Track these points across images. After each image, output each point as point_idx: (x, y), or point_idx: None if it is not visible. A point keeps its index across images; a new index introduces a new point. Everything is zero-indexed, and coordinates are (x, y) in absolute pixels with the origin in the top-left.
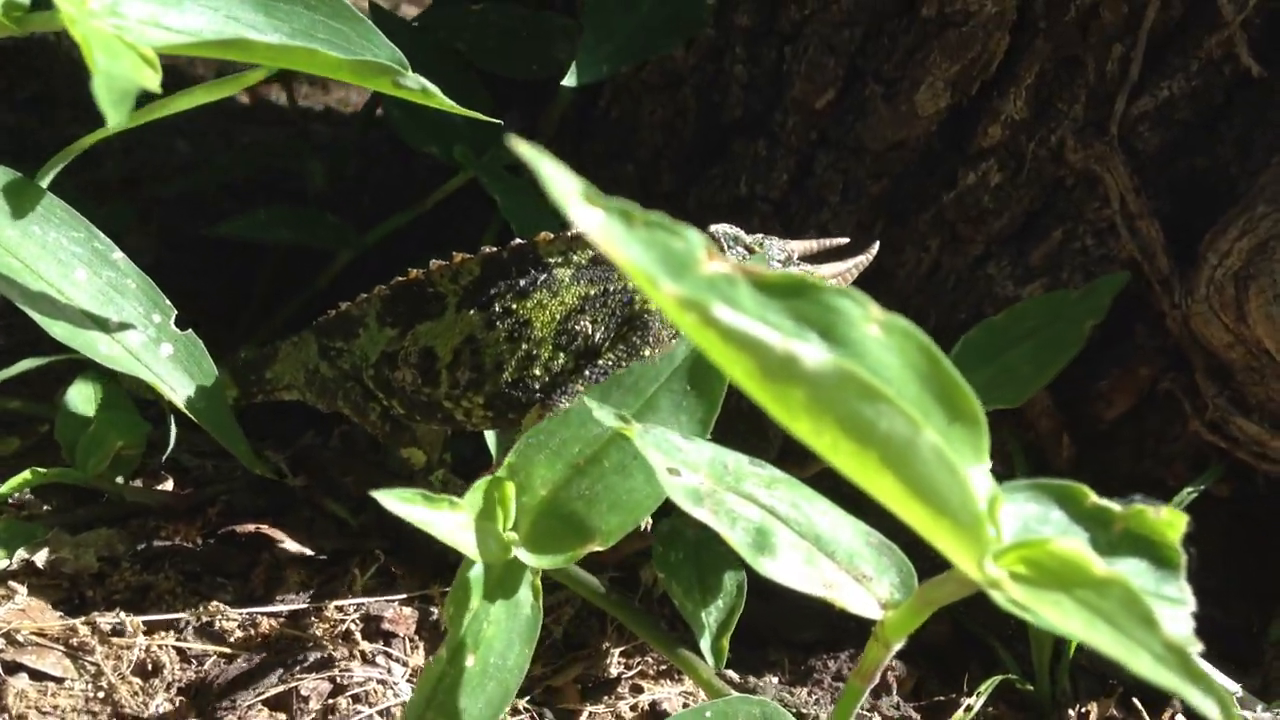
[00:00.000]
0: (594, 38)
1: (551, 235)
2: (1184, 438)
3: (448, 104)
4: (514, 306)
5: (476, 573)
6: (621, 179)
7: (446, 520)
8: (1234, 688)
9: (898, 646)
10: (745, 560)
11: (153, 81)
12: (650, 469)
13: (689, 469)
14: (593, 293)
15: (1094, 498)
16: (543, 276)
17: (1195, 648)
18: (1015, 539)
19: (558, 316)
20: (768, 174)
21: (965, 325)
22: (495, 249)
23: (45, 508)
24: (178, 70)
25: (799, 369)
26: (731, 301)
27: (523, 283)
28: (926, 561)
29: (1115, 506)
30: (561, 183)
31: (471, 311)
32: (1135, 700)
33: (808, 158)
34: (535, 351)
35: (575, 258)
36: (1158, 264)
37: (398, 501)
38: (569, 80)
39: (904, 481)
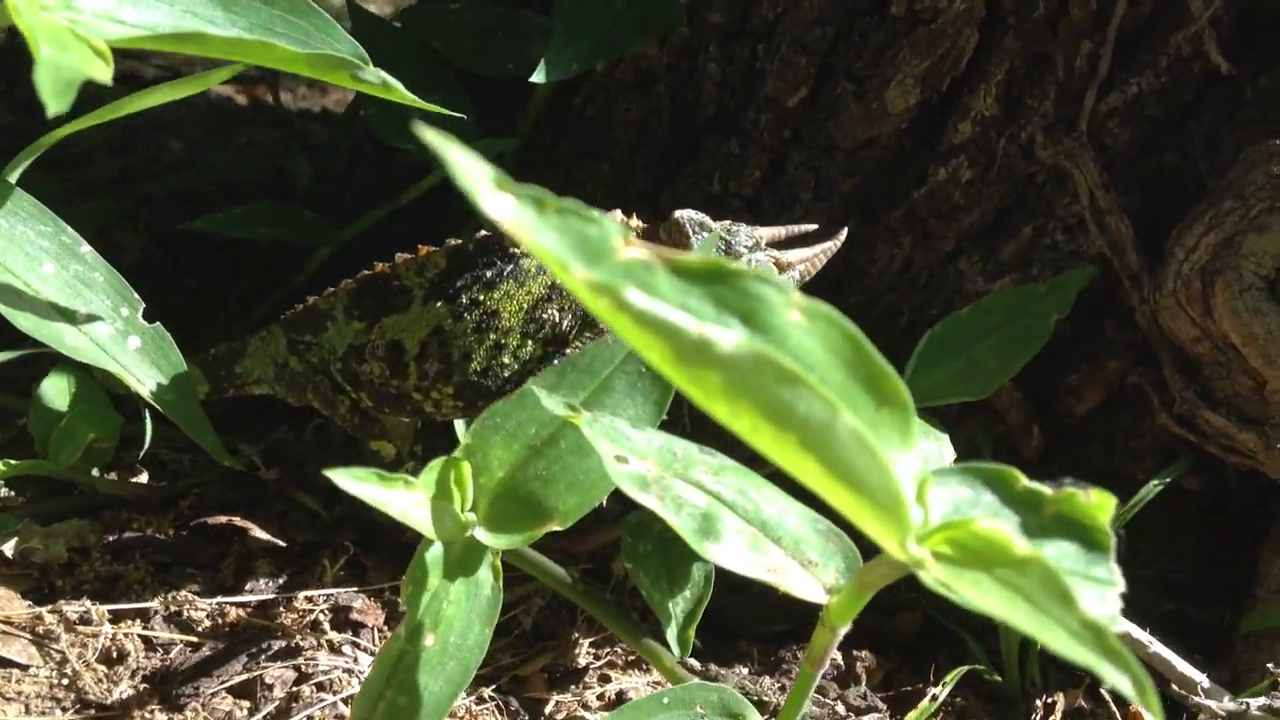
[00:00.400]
0: (564, 35)
1: None
2: (1154, 433)
3: (409, 98)
4: (481, 298)
5: (435, 553)
6: (597, 177)
7: (401, 499)
8: (1200, 678)
9: (844, 631)
10: (690, 545)
11: (104, 74)
12: None
13: (637, 456)
14: (559, 281)
15: (1025, 481)
16: (509, 267)
17: (1117, 627)
18: (943, 520)
19: (525, 306)
20: (740, 171)
21: (937, 321)
22: (460, 241)
23: (21, 500)
24: (174, 69)
25: (714, 353)
26: (648, 287)
27: (489, 274)
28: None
29: (1046, 490)
30: (470, 170)
31: (438, 304)
32: (1103, 691)
33: (780, 155)
34: (504, 341)
35: None
36: (1127, 259)
37: (352, 480)
38: (538, 76)
39: (824, 464)
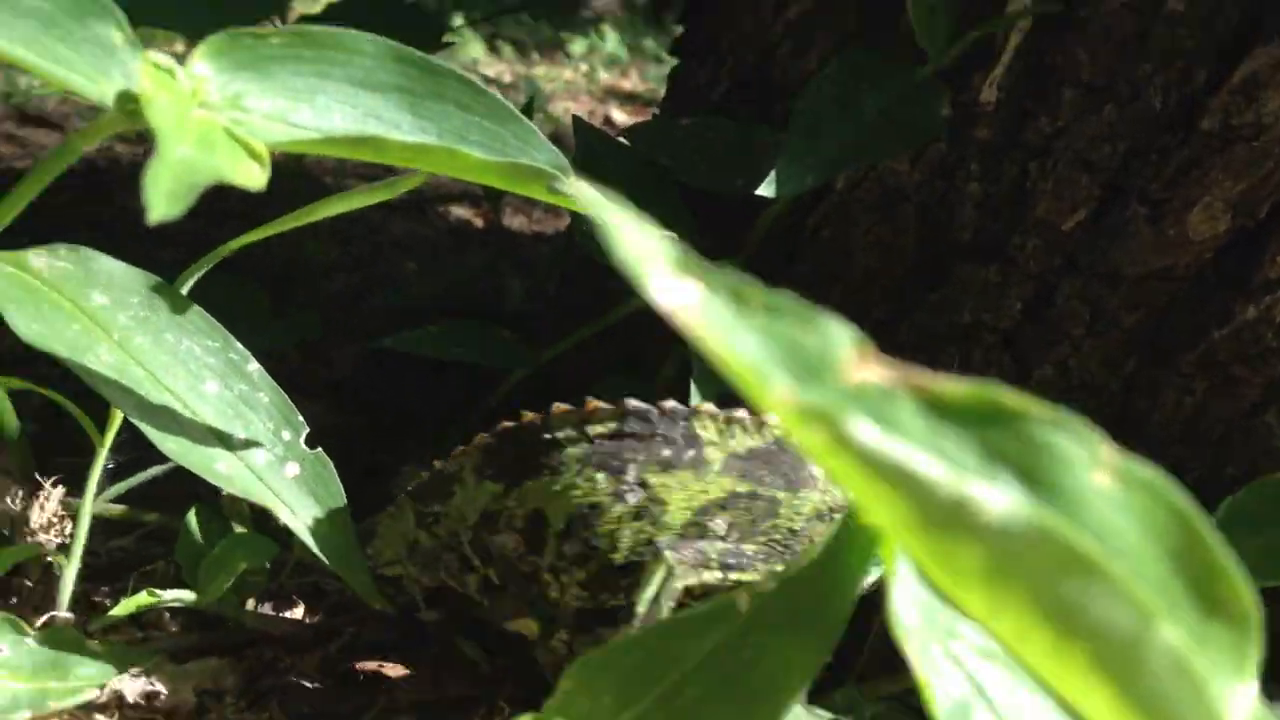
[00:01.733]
0: (801, 144)
1: (709, 406)
2: None
3: None
4: (650, 479)
5: None
6: (828, 305)
7: None
8: None
9: None
10: None
11: (257, 179)
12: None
13: None
14: (740, 490)
15: None
16: (690, 453)
17: None
18: None
19: (696, 506)
20: (998, 301)
21: (1235, 482)
22: (638, 404)
23: (169, 631)
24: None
25: (975, 518)
26: (885, 420)
27: (666, 453)
28: None
29: None
30: (638, 243)
31: (599, 474)
32: None
33: (1049, 285)
34: (659, 537)
35: (733, 443)
36: None
37: None
38: (766, 190)
39: (1122, 695)
